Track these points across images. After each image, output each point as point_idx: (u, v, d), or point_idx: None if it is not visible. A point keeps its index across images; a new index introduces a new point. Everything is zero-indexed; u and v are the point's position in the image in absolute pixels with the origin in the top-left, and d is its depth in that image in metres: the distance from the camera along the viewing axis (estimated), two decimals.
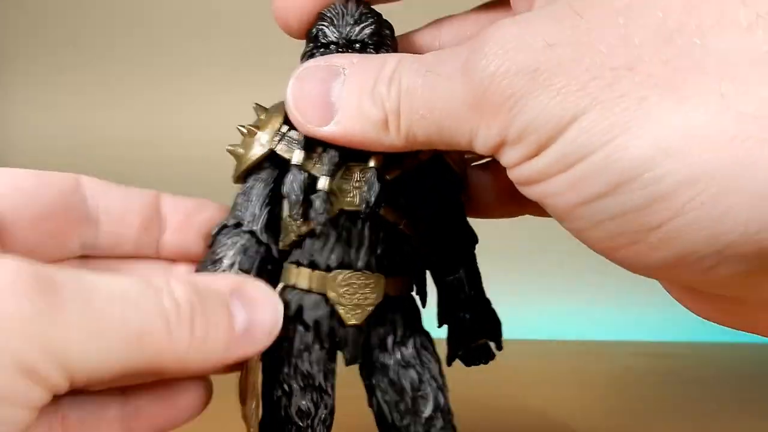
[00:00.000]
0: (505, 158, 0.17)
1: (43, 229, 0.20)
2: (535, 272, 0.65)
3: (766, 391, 0.49)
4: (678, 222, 0.14)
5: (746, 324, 0.18)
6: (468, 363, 0.25)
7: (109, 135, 0.67)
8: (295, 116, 0.20)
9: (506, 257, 0.63)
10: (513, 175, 0.17)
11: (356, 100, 0.19)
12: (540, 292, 0.65)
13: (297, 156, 0.21)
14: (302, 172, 0.21)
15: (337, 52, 0.21)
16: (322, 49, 0.22)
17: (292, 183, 0.21)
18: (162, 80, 0.66)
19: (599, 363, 0.57)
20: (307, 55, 0.22)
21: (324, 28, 0.22)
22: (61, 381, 0.15)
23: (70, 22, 0.66)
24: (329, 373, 0.23)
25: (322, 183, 0.21)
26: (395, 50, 0.23)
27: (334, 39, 0.22)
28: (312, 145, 0.21)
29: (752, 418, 0.43)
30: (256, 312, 0.19)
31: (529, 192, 0.17)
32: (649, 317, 0.65)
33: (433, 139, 0.18)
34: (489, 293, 0.25)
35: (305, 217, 0.21)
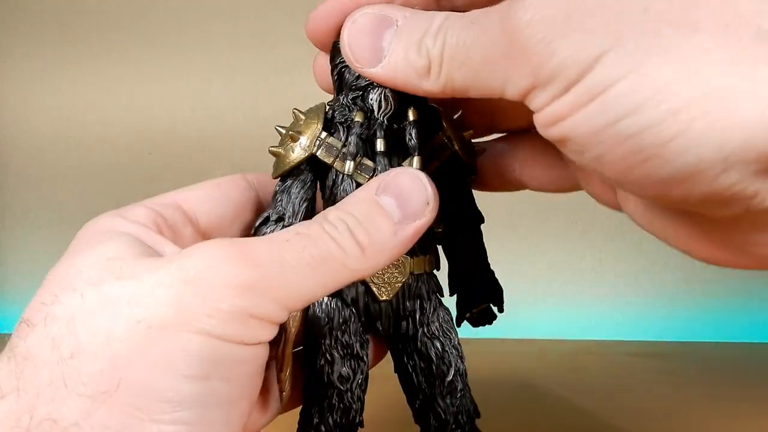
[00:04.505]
0: (535, 101, 0.19)
1: (238, 224, 0.26)
2: (534, 272, 0.65)
3: (762, 390, 0.49)
4: (690, 133, 0.16)
5: (736, 255, 0.20)
6: (475, 324, 0.28)
7: (104, 114, 0.66)
8: (347, 55, 0.23)
9: (506, 258, 0.64)
10: (539, 117, 0.19)
11: (404, 49, 0.21)
12: (538, 292, 0.65)
13: (349, 167, 0.24)
14: (353, 181, 0.24)
15: None
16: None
17: (346, 191, 0.24)
18: (158, 61, 0.65)
19: (596, 362, 0.57)
20: (342, 65, 0.25)
21: None
22: (279, 312, 0.20)
23: (68, 2, 0.65)
24: (364, 343, 0.26)
25: None
26: None
27: None
28: (355, 155, 0.24)
29: (749, 417, 0.43)
30: (403, 195, 0.22)
31: (554, 131, 0.19)
32: (646, 317, 0.65)
33: (468, 85, 0.20)
34: None
35: None
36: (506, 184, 0.28)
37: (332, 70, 0.25)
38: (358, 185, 0.24)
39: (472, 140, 0.27)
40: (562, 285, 0.65)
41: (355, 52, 0.22)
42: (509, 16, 0.18)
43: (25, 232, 0.66)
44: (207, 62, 0.65)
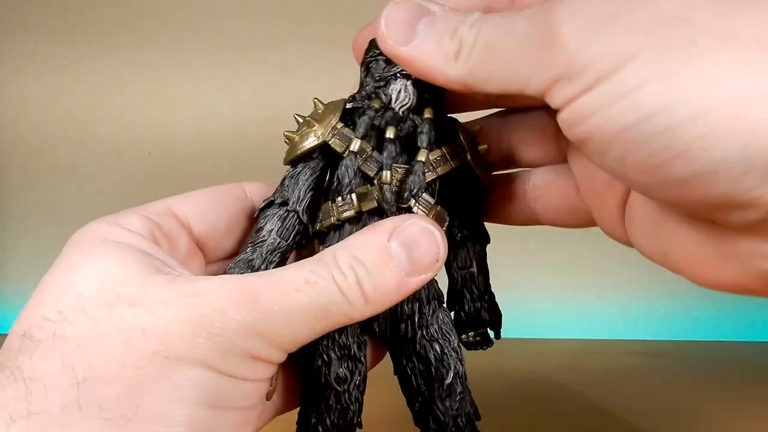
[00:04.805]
0: (558, 96, 0.19)
1: (233, 234, 0.26)
2: (534, 272, 0.65)
3: (762, 389, 0.49)
4: (718, 132, 0.17)
5: (741, 273, 0.20)
6: (469, 347, 0.28)
7: (104, 114, 0.66)
8: (382, 32, 0.22)
9: (506, 258, 0.64)
10: (564, 115, 0.19)
11: (439, 33, 0.22)
12: (538, 292, 0.65)
13: (355, 144, 0.24)
14: (357, 159, 0.24)
15: None
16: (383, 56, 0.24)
17: (348, 167, 0.24)
18: (158, 61, 0.65)
19: (596, 361, 0.57)
20: (371, 60, 0.25)
21: None
22: (279, 355, 0.21)
23: (68, 2, 0.65)
24: (362, 344, 0.26)
25: (386, 176, 0.23)
26: None
27: None
28: (363, 136, 0.24)
29: (748, 416, 0.43)
30: (415, 249, 0.22)
31: (579, 129, 0.19)
32: (646, 316, 0.65)
33: (492, 75, 0.21)
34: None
35: (360, 199, 0.24)
36: (520, 215, 0.28)
37: (361, 65, 0.25)
38: (364, 175, 0.24)
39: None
40: (561, 285, 0.65)
41: (389, 28, 0.22)
42: (551, 13, 0.19)
43: (25, 232, 0.66)
44: (207, 62, 0.65)
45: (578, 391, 0.47)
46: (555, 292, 0.65)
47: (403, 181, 0.24)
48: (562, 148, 0.27)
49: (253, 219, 0.26)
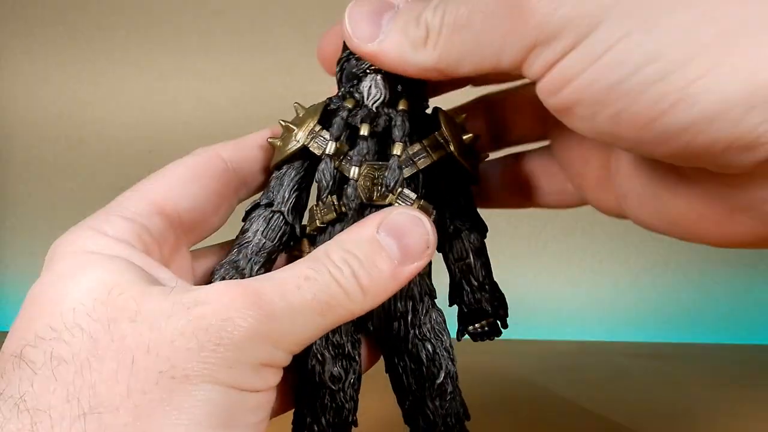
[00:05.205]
0: (536, 65, 0.18)
1: (219, 211, 0.25)
2: (534, 272, 0.66)
3: (760, 392, 0.49)
4: (713, 73, 0.16)
5: (747, 222, 0.19)
6: (475, 339, 0.27)
7: (104, 112, 0.66)
8: (347, 31, 0.22)
9: (505, 258, 0.64)
10: (544, 84, 0.18)
11: (403, 22, 0.21)
12: (537, 292, 0.65)
13: (330, 147, 0.24)
14: (332, 161, 0.24)
15: None
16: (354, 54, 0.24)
17: (324, 171, 0.24)
18: (159, 60, 0.66)
19: (593, 363, 0.57)
20: (344, 59, 0.25)
21: None
22: (286, 357, 0.21)
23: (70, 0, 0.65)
24: (356, 343, 0.26)
25: (353, 172, 0.24)
26: None
27: None
28: (338, 137, 0.24)
29: (746, 418, 0.43)
30: (404, 237, 0.22)
31: (562, 97, 0.18)
32: (645, 318, 0.65)
33: (464, 54, 0.20)
34: None
35: (338, 198, 0.24)
36: (514, 199, 0.28)
37: (336, 65, 0.25)
38: (342, 176, 0.24)
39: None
40: (561, 286, 0.66)
41: (353, 27, 0.22)
42: None
43: (25, 230, 0.66)
44: (207, 61, 0.65)
45: (575, 393, 0.47)
46: (554, 293, 0.65)
47: (378, 177, 0.24)
48: (544, 122, 0.26)
49: (236, 187, 0.26)
